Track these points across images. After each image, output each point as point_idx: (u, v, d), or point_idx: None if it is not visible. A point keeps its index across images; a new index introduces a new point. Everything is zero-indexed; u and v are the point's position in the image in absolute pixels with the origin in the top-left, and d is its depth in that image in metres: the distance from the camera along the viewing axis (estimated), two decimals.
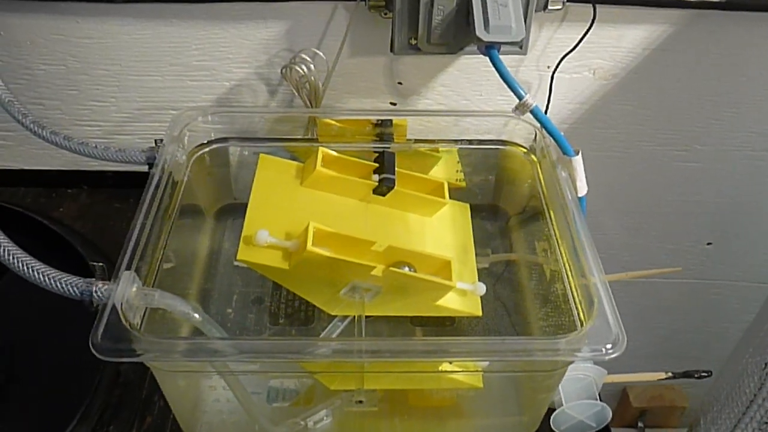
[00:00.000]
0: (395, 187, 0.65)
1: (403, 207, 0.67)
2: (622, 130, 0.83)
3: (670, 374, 0.70)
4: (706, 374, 0.74)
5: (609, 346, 0.48)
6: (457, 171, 0.73)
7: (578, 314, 0.54)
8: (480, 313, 0.60)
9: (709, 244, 0.98)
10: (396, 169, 0.67)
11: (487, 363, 0.55)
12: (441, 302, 0.60)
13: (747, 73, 0.77)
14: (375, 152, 0.69)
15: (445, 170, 0.72)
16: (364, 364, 0.52)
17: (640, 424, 1.17)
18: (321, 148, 0.66)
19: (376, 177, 0.66)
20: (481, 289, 0.61)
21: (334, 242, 0.58)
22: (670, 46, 0.75)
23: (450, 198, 0.68)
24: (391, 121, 0.69)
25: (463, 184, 0.73)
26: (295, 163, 0.68)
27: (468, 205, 0.71)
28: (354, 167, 0.67)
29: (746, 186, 0.90)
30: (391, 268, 0.58)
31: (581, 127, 0.82)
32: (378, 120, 0.69)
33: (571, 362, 0.54)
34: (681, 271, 0.79)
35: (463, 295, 0.61)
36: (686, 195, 0.91)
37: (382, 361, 0.50)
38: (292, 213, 0.63)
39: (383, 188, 0.65)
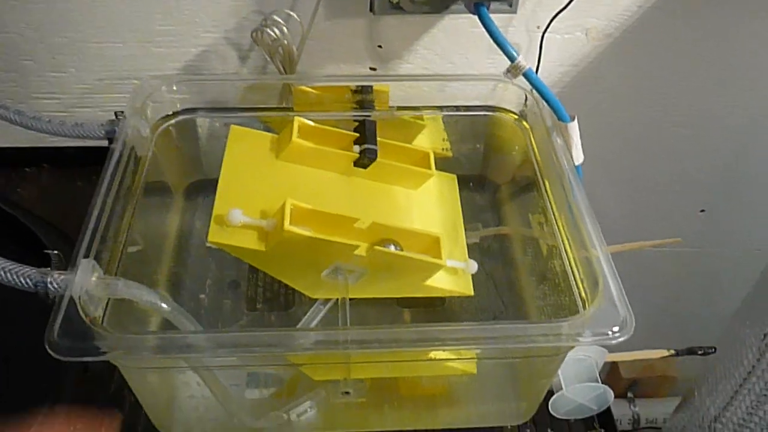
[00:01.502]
0: (377, 159, 0.61)
1: (386, 179, 0.63)
2: (616, 93, 0.79)
3: (672, 352, 0.67)
4: (711, 351, 0.70)
5: (616, 329, 0.45)
6: (443, 139, 0.68)
7: (579, 293, 0.50)
8: (471, 293, 0.57)
9: (702, 211, 0.94)
10: (378, 138, 0.62)
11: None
12: (430, 282, 0.56)
13: (747, 32, 0.73)
14: (355, 121, 0.64)
15: (430, 139, 0.68)
16: (350, 354, 0.48)
17: (630, 395, 1.15)
18: (297, 118, 0.61)
19: (356, 148, 0.61)
20: (473, 266, 0.57)
21: (314, 220, 0.54)
22: (668, 4, 0.70)
23: (436, 169, 0.63)
24: (371, 87, 0.64)
25: (450, 153, 0.69)
26: (269, 134, 0.63)
27: (455, 177, 0.66)
28: (333, 138, 0.62)
29: (741, 151, 0.87)
30: (377, 247, 0.54)
31: (573, 90, 0.78)
32: (357, 86, 0.64)
33: (573, 347, 0.50)
34: (681, 242, 0.76)
35: (453, 274, 0.57)
36: (680, 160, 0.87)
37: (370, 351, 0.45)
38: (268, 189, 0.58)
39: (365, 160, 0.61)
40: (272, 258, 0.54)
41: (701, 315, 1.11)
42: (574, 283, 0.51)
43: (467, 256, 0.59)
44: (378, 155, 0.61)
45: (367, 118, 0.63)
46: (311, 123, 0.62)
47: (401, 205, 0.62)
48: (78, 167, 0.79)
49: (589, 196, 0.58)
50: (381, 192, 0.62)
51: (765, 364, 0.78)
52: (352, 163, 0.61)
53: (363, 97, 0.64)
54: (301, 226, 0.52)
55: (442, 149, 0.68)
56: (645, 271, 1.02)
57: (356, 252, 0.53)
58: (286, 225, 0.51)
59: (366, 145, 0.60)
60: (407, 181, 0.63)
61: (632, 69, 0.76)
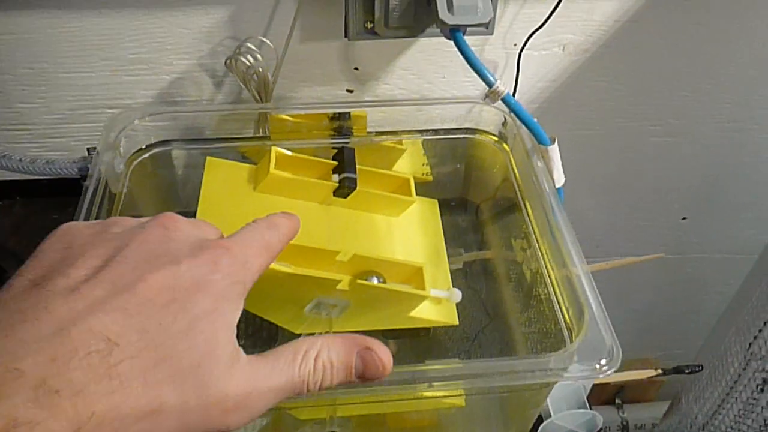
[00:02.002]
0: (357, 188, 0.60)
1: (367, 208, 0.62)
2: (595, 107, 0.78)
3: (660, 371, 0.67)
4: (698, 369, 0.70)
5: (603, 361, 0.44)
6: (423, 164, 0.67)
7: (565, 321, 0.50)
8: (456, 322, 0.56)
9: (684, 218, 0.95)
10: (357, 166, 0.61)
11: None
12: (414, 313, 0.55)
13: (723, 42, 0.73)
14: (333, 148, 0.63)
15: (410, 163, 0.67)
16: (335, 395, 0.47)
17: (618, 401, 1.15)
18: (274, 148, 0.60)
19: (335, 177, 0.61)
20: (457, 295, 0.56)
21: (294, 255, 0.53)
22: (643, 17, 0.70)
23: (417, 194, 0.62)
24: (349, 113, 0.64)
25: (430, 177, 0.68)
26: (246, 165, 0.62)
27: (436, 202, 0.66)
28: (311, 167, 0.61)
29: (720, 158, 0.87)
30: (359, 281, 0.53)
31: (552, 106, 0.77)
32: (335, 113, 0.63)
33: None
34: (663, 257, 0.76)
35: (437, 303, 0.56)
36: (661, 170, 0.87)
37: (355, 393, 0.45)
38: (246, 222, 0.57)
39: (344, 189, 0.60)
40: (252, 295, 0.52)
41: (685, 321, 1.12)
42: (559, 311, 0.51)
43: (450, 283, 0.59)
44: (357, 183, 0.60)
45: (346, 145, 0.62)
46: (289, 153, 0.61)
47: (383, 234, 0.61)
48: (52, 198, 0.77)
49: (571, 207, 0.58)
50: (362, 221, 0.61)
51: (751, 373, 0.78)
52: (332, 193, 0.60)
53: (341, 124, 0.63)
54: (281, 262, 0.51)
55: (423, 174, 0.68)
56: (628, 278, 1.02)
57: (339, 286, 0.52)
58: None
59: (345, 174, 0.59)
60: (388, 209, 0.62)
61: (610, 82, 0.76)
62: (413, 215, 0.63)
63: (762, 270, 0.77)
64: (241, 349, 0.30)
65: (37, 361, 0.24)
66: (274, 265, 0.50)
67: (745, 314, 0.79)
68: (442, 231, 0.63)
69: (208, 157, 0.61)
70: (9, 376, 0.24)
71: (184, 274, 0.29)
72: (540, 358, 0.45)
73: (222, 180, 0.60)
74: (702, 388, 0.88)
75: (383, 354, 0.33)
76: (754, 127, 0.83)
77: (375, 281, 0.54)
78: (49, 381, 0.24)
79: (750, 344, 0.78)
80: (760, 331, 0.76)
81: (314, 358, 0.31)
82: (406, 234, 0.61)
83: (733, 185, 0.91)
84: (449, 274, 0.59)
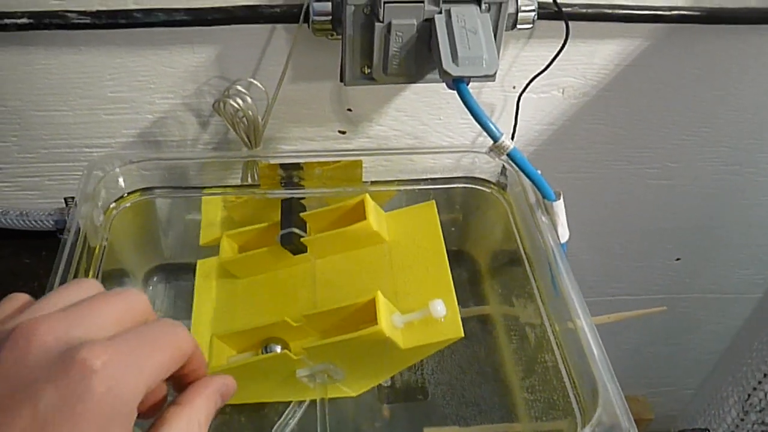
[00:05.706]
0: (313, 236, 0.57)
1: (334, 250, 0.58)
2: (593, 150, 0.76)
3: None
4: None
5: None
6: None
7: (575, 394, 0.47)
8: (462, 334, 0.49)
9: (677, 259, 0.93)
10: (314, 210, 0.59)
11: None
12: (410, 344, 0.49)
13: (722, 87, 0.72)
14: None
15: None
16: None
17: None
18: (223, 237, 0.58)
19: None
20: (437, 309, 0.49)
21: (250, 339, 0.51)
22: (644, 62, 0.68)
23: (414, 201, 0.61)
24: (342, 162, 0.60)
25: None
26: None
27: (433, 203, 0.60)
28: (264, 235, 0.59)
29: (716, 200, 0.85)
30: (307, 346, 0.49)
31: (549, 148, 0.75)
32: (325, 161, 0.60)
33: None
34: (665, 310, 0.74)
35: (433, 324, 0.50)
36: (656, 212, 0.86)
37: None
38: (236, 315, 0.55)
39: (292, 246, 0.57)
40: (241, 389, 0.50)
41: (676, 359, 1.10)
42: (568, 382, 0.48)
43: (453, 290, 0.53)
44: (313, 229, 0.58)
45: (293, 197, 0.59)
46: (239, 229, 0.59)
47: (370, 269, 0.57)
48: (24, 240, 0.73)
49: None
50: (328, 269, 0.58)
51: (749, 425, 0.77)
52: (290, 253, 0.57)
53: (290, 173, 0.60)
54: (244, 353, 0.50)
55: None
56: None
57: (295, 356, 0.49)
58: (212, 364, 0.49)
59: (282, 231, 0.56)
60: (358, 242, 0.58)
61: (609, 126, 0.74)
62: (400, 229, 0.59)
63: (762, 320, 0.76)
64: None
65: None
66: (221, 365, 0.49)
67: (744, 365, 0.77)
68: (441, 235, 0.57)
69: (199, 261, 0.59)
70: None
71: (46, 410, 0.25)
72: None
73: (211, 279, 0.58)
74: None
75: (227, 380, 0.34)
76: (749, 170, 0.82)
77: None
78: None
79: (749, 395, 0.76)
80: (759, 382, 0.74)
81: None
82: (393, 258, 0.57)
83: (727, 227, 0.89)
84: (451, 281, 0.53)
